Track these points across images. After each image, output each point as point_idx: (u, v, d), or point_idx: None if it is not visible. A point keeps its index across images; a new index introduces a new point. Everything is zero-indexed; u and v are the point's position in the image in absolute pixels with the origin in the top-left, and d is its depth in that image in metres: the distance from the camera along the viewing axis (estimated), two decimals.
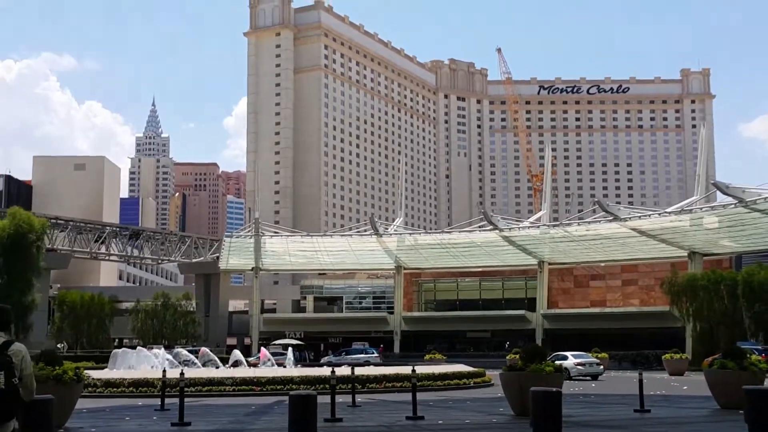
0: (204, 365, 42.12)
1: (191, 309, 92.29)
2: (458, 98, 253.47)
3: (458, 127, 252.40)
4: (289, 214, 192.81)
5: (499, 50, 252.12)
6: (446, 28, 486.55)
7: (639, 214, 76.77)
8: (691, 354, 64.15)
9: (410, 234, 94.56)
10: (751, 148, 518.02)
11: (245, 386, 31.55)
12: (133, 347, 45.81)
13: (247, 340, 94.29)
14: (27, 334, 64.29)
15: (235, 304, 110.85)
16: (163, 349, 43.33)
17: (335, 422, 19.51)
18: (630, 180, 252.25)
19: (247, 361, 45.73)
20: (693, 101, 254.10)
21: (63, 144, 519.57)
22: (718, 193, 69.67)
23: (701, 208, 72.17)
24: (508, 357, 55.81)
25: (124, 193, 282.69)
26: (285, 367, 44.17)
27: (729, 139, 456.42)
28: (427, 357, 68.04)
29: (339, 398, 23.41)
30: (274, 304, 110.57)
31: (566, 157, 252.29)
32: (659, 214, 76.35)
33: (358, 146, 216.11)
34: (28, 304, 64.01)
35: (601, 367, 49.51)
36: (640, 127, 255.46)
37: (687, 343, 69.86)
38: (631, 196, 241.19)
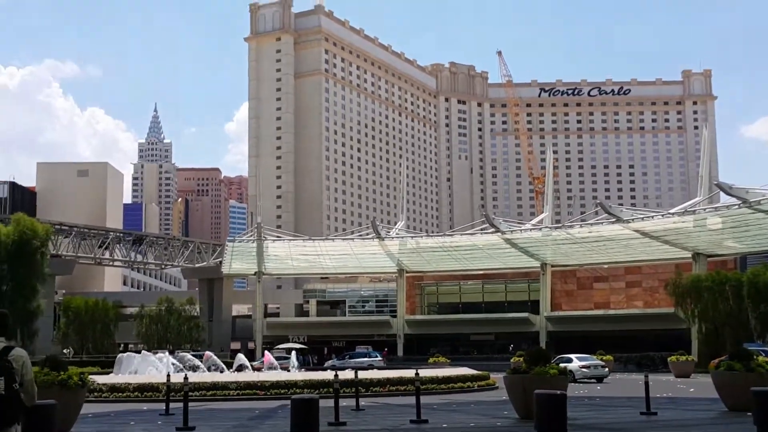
0: (209, 369, 42.17)
1: (195, 314, 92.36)
2: (459, 101, 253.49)
3: (459, 130, 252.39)
4: (291, 219, 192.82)
5: (499, 53, 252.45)
6: (446, 31, 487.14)
7: (642, 216, 76.57)
8: (697, 356, 63.96)
9: (412, 237, 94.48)
10: (753, 149, 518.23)
11: (249, 390, 31.58)
12: (138, 352, 45.82)
13: (250, 345, 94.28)
14: (32, 340, 64.33)
15: (239, 309, 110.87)
16: (167, 353, 43.33)
17: (339, 426, 19.50)
18: (632, 182, 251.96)
19: (251, 365, 45.74)
20: (695, 102, 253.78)
21: (66, 150, 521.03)
22: (722, 194, 69.53)
23: (705, 209, 72.00)
24: (512, 360, 55.73)
25: (128, 198, 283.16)
26: (289, 371, 44.21)
27: (731, 140, 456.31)
28: (430, 360, 67.96)
29: (343, 402, 23.37)
30: (277, 308, 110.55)
31: (568, 160, 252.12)
32: (662, 215, 76.12)
33: (359, 150, 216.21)
34: (33, 310, 64.07)
35: (606, 369, 49.36)
36: (642, 128, 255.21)
37: (692, 345, 69.62)
38: (633, 198, 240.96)
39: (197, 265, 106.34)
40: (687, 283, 68.46)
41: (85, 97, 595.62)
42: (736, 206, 66.28)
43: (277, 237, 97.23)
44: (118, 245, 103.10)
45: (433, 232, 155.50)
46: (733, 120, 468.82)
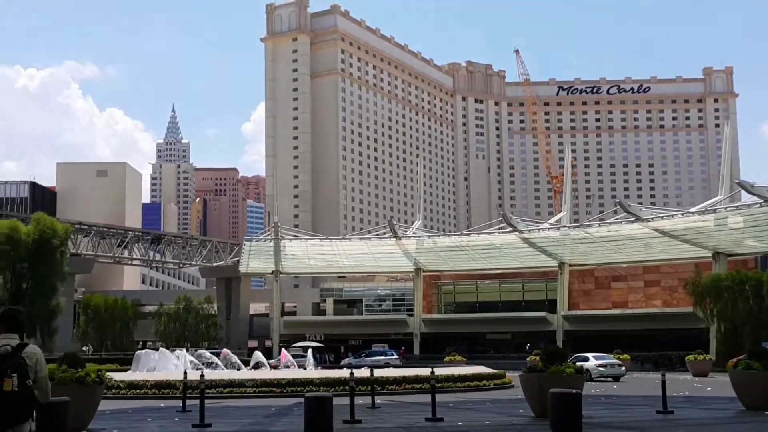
0: (226, 367, 42.41)
1: (213, 312, 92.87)
2: (476, 100, 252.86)
3: (476, 129, 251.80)
4: (308, 218, 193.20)
5: (517, 52, 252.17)
6: (463, 30, 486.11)
7: (662, 215, 76.14)
8: (715, 355, 63.51)
9: (429, 236, 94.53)
10: None
11: (266, 388, 31.67)
12: (156, 349, 46.15)
13: (268, 343, 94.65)
14: (52, 338, 64.97)
15: (256, 307, 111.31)
16: (184, 350, 43.59)
17: (354, 423, 19.53)
18: (652, 181, 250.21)
19: (268, 363, 45.88)
20: (716, 100, 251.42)
21: (85, 151, 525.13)
22: (743, 192, 69.03)
23: (725, 208, 71.46)
24: (528, 359, 55.53)
25: (146, 198, 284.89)
26: (305, 369, 44.35)
27: (753, 138, 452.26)
28: (447, 359, 67.97)
29: (359, 400, 23.41)
30: (295, 307, 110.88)
31: (586, 159, 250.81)
32: (682, 214, 75.66)
33: (376, 150, 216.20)
34: (52, 308, 64.71)
35: (623, 368, 49.16)
36: (662, 127, 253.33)
37: (711, 344, 69.14)
38: (653, 197, 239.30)
39: (215, 264, 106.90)
40: (707, 283, 67.92)
41: (104, 98, 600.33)
42: (758, 205, 65.77)
43: (294, 236, 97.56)
44: (136, 244, 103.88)
45: (450, 232, 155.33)
46: (755, 117, 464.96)
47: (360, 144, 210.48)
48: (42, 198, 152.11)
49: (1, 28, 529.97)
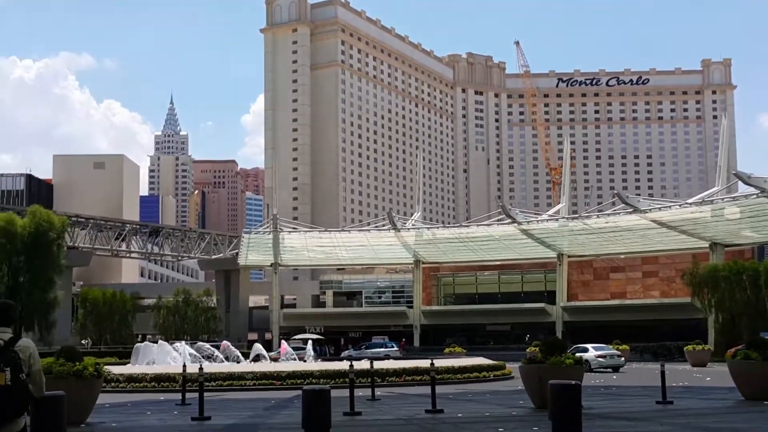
0: (227, 359, 42.41)
1: (212, 305, 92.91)
2: (476, 92, 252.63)
3: (476, 121, 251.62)
4: (307, 210, 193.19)
5: (517, 43, 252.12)
6: (463, 21, 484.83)
7: (659, 206, 76.17)
8: (714, 345, 63.66)
9: (428, 228, 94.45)
10: None
11: (265, 380, 31.69)
12: (155, 342, 46.12)
13: (267, 335, 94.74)
14: (50, 332, 64.83)
15: (256, 300, 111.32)
16: (184, 343, 43.56)
17: (354, 416, 19.52)
18: (650, 172, 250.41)
19: (268, 355, 45.86)
20: (714, 92, 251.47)
21: (82, 143, 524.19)
22: (740, 183, 68.98)
23: (723, 199, 71.51)
24: (528, 350, 55.59)
25: (144, 191, 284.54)
26: (305, 361, 44.37)
27: (750, 129, 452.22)
28: (447, 350, 68.01)
29: (359, 392, 23.41)
30: (294, 299, 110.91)
31: (585, 150, 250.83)
32: (680, 205, 75.67)
33: (375, 141, 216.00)
34: (50, 302, 64.53)
35: (622, 358, 49.26)
36: (660, 118, 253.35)
37: (709, 334, 69.34)
38: (651, 188, 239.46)
39: (214, 257, 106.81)
40: (704, 273, 68.12)
41: (101, 90, 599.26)
42: (755, 196, 65.77)
43: (293, 228, 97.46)
44: (134, 237, 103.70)
45: (449, 224, 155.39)
46: (753, 109, 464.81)
47: (360, 136, 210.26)
48: (38, 191, 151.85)
49: None
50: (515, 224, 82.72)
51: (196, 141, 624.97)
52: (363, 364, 31.19)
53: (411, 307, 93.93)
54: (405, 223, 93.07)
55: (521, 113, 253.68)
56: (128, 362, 41.00)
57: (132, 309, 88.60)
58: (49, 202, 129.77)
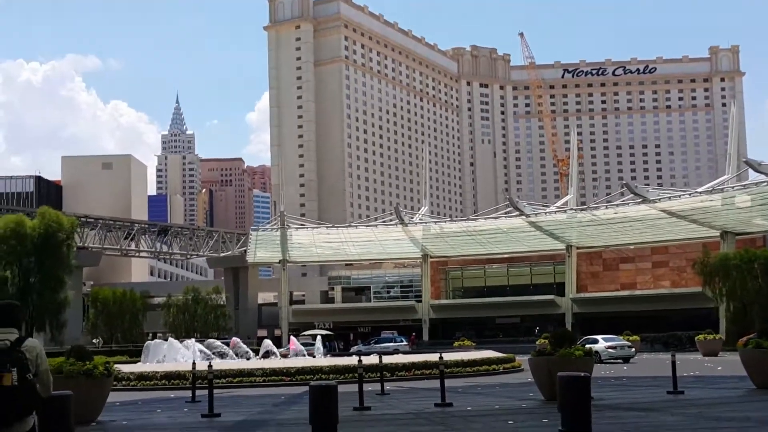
0: (237, 356, 42.48)
1: (221, 302, 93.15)
2: (481, 85, 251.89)
3: (482, 114, 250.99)
4: (314, 206, 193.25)
5: (521, 35, 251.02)
6: (467, 14, 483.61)
7: (669, 195, 75.92)
8: (725, 334, 63.41)
9: (436, 222, 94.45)
10: None
11: (275, 377, 31.67)
12: (165, 340, 46.24)
13: (277, 332, 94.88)
14: (61, 331, 65.20)
15: (265, 297, 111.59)
16: (194, 340, 43.66)
17: (364, 410, 19.50)
18: (659, 162, 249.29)
19: (278, 352, 45.88)
20: (722, 79, 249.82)
21: (90, 144, 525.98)
22: (750, 171, 68.69)
23: (733, 187, 71.20)
24: (537, 342, 55.51)
25: (152, 190, 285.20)
26: (314, 357, 44.38)
27: (759, 116, 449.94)
28: (456, 344, 67.95)
29: (368, 387, 23.40)
30: (303, 295, 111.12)
31: (592, 141, 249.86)
32: (690, 194, 75.43)
33: (381, 137, 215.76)
34: (60, 302, 64.92)
35: (633, 349, 49.07)
36: (668, 107, 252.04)
37: (720, 324, 69.07)
38: (660, 177, 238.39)
39: (222, 255, 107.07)
40: (715, 262, 67.74)
41: (107, 91, 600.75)
42: (765, 183, 65.52)
43: (301, 225, 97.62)
44: (143, 236, 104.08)
45: (456, 217, 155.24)
46: (762, 96, 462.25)
47: (365, 131, 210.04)
48: (47, 192, 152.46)
49: (2, 21, 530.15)
50: (523, 217, 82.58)
51: (203, 140, 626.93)
52: (372, 359, 31.23)
53: (420, 301, 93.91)
54: (412, 218, 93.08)
55: (527, 105, 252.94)
56: (139, 360, 41.13)
57: (142, 308, 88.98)
58: (58, 203, 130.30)
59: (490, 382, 30.81)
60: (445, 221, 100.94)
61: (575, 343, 22.95)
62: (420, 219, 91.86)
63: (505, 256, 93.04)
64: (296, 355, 44.82)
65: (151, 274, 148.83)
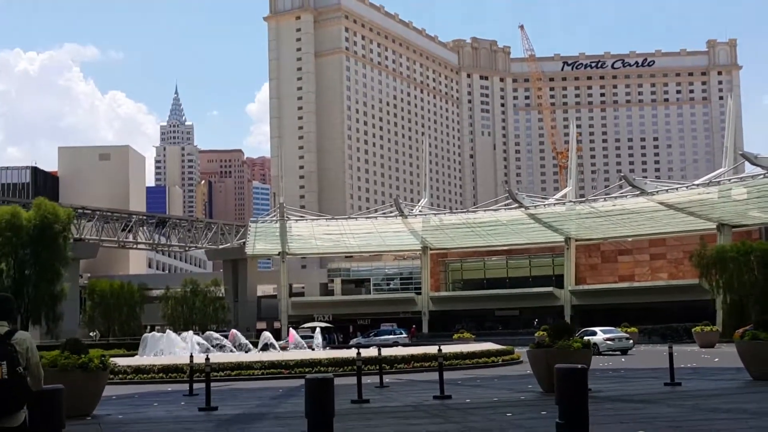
0: (236, 348, 42.38)
1: (220, 295, 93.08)
2: (481, 77, 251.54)
3: (481, 106, 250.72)
4: (314, 198, 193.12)
5: (521, 27, 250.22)
6: (468, 6, 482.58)
7: (666, 188, 76.00)
8: (722, 326, 63.50)
9: (435, 214, 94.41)
10: None
11: (274, 369, 31.63)
12: (163, 332, 46.17)
13: (276, 324, 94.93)
14: (57, 324, 65.05)
15: (264, 289, 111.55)
16: (191, 332, 43.60)
17: (362, 403, 19.47)
18: (657, 154, 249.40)
19: (277, 344, 45.84)
20: (720, 73, 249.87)
21: (88, 134, 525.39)
22: (747, 164, 68.65)
23: (729, 180, 71.24)
24: (536, 334, 55.57)
25: (151, 181, 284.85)
26: (314, 349, 44.35)
27: (756, 109, 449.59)
28: (455, 336, 68.01)
29: (367, 379, 23.40)
30: (302, 287, 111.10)
31: (591, 134, 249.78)
32: (687, 187, 75.46)
33: (381, 128, 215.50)
34: (57, 294, 64.74)
35: (631, 341, 49.13)
36: (666, 100, 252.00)
37: (717, 316, 69.21)
38: (657, 170, 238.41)
39: (221, 247, 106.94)
40: (712, 254, 67.90)
41: (106, 81, 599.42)
42: (762, 176, 65.51)
43: (300, 217, 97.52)
44: (141, 228, 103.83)
45: (456, 209, 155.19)
46: (759, 89, 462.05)
47: (365, 123, 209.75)
48: (44, 183, 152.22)
49: (0, 11, 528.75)
50: (522, 209, 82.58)
51: (202, 131, 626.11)
52: (371, 352, 31.17)
53: (419, 293, 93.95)
54: (412, 210, 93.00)
55: (527, 97, 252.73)
56: (136, 353, 41.06)
57: (140, 300, 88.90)
58: (54, 194, 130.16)
59: (489, 374, 30.81)
60: (445, 213, 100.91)
61: (573, 335, 22.95)
62: (420, 211, 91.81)
63: (505, 248, 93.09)
64: (295, 347, 44.78)
65: (149, 266, 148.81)
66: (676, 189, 75.07)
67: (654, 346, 59.30)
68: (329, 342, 66.74)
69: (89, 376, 18.16)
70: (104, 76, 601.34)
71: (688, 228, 79.12)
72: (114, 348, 49.36)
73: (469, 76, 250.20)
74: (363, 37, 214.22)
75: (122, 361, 32.02)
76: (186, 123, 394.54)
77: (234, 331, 48.48)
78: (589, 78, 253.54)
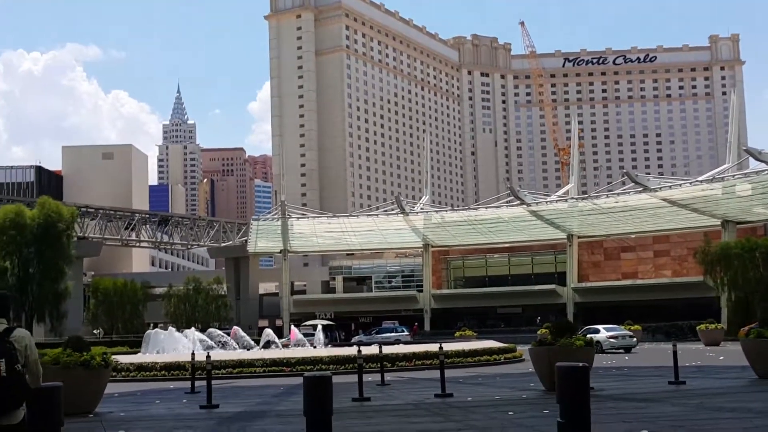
0: (238, 345, 42.36)
1: (222, 293, 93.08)
2: (482, 74, 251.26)
3: (483, 103, 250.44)
4: (315, 196, 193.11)
5: (522, 24, 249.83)
6: (468, 3, 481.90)
7: (669, 184, 75.74)
8: (727, 324, 63.25)
9: (437, 212, 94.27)
10: None
11: (275, 367, 31.54)
12: (165, 329, 46.17)
13: (278, 322, 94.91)
14: (61, 322, 65.18)
15: (266, 287, 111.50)
16: (193, 329, 43.59)
17: (363, 401, 19.38)
18: (659, 151, 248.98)
19: (278, 342, 45.79)
20: (722, 68, 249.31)
21: (91, 134, 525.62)
22: (751, 159, 68.44)
23: (733, 176, 71.00)
24: (539, 332, 55.45)
25: (153, 180, 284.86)
26: (315, 347, 44.30)
27: (759, 104, 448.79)
28: (457, 334, 67.91)
29: (369, 377, 23.31)
30: (304, 285, 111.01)
31: (593, 130, 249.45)
32: (690, 183, 75.23)
33: (382, 126, 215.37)
34: (60, 292, 64.85)
35: (634, 339, 48.92)
36: (669, 96, 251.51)
37: (722, 313, 68.93)
38: (660, 167, 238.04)
39: (223, 245, 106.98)
40: (716, 251, 67.51)
41: (108, 81, 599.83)
42: (766, 172, 65.28)
43: (302, 215, 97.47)
44: (144, 226, 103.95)
45: (458, 207, 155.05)
46: (762, 84, 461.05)
47: (366, 121, 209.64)
48: (48, 182, 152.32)
49: (3, 11, 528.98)
50: (524, 206, 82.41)
51: (204, 129, 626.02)
52: (373, 350, 31.10)
53: (421, 291, 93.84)
54: (413, 207, 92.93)
55: (528, 94, 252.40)
56: (139, 351, 41.05)
57: (143, 298, 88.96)
58: (58, 193, 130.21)
59: (491, 372, 30.72)
60: (446, 210, 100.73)
61: (576, 333, 22.82)
62: (421, 208, 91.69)
63: (507, 245, 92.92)
64: (297, 345, 44.73)
65: (152, 264, 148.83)
66: (680, 185, 74.86)
67: (658, 344, 59.12)
68: (331, 340, 66.67)
69: (91, 374, 18.13)
70: (107, 76, 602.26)
71: (692, 225, 78.86)
72: (117, 345, 49.43)
73: (469, 73, 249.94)
74: (363, 35, 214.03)
75: (125, 359, 32.01)
76: (188, 122, 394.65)
77: (236, 328, 48.47)
78: (591, 74, 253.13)
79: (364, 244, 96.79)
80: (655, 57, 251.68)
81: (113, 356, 21.30)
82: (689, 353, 37.96)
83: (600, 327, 47.93)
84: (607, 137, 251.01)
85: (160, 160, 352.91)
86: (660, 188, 74.18)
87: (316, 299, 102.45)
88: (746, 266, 64.81)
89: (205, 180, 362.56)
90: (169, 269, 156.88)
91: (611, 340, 46.21)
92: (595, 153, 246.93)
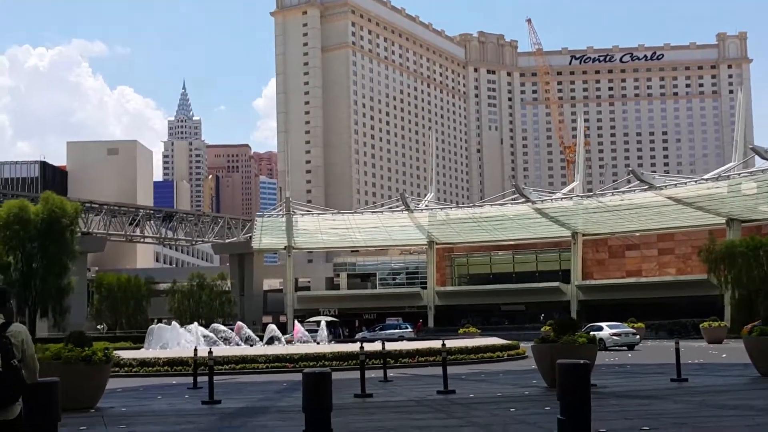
0: (245, 341, 42.32)
1: (226, 289, 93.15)
2: (488, 71, 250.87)
3: (489, 100, 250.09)
4: (320, 193, 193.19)
5: (528, 21, 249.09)
6: (474, 0, 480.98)
7: (675, 182, 75.60)
8: (730, 322, 63.15)
9: (442, 209, 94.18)
10: None
11: (278, 363, 31.54)
12: (169, 324, 46.16)
13: (282, 318, 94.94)
14: (64, 317, 65.25)
15: (270, 283, 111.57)
16: (197, 324, 43.59)
17: (365, 398, 19.36)
18: (665, 149, 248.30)
19: (283, 338, 45.78)
20: (730, 66, 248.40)
21: (97, 130, 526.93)
22: (757, 158, 68.21)
23: (739, 174, 70.81)
24: (542, 329, 55.37)
25: (158, 176, 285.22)
26: (318, 343, 44.32)
27: (766, 103, 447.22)
28: (461, 331, 67.81)
29: (372, 374, 23.28)
30: (308, 282, 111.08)
31: (599, 128, 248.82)
32: (696, 181, 75.05)
33: (388, 123, 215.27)
34: (64, 287, 64.89)
35: (638, 336, 48.90)
36: (675, 94, 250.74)
37: (725, 311, 68.81)
38: (666, 165, 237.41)
39: (227, 241, 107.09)
40: (721, 250, 67.41)
41: (114, 76, 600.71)
42: None
43: (307, 211, 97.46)
44: (148, 222, 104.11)
45: (463, 204, 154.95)
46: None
47: (372, 117, 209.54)
48: (53, 177, 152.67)
49: (9, 7, 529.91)
50: (529, 203, 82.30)
51: (209, 126, 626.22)
52: (376, 346, 31.08)
53: (425, 288, 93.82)
54: (418, 204, 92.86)
55: (534, 92, 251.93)
56: (143, 346, 41.09)
57: (147, 294, 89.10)
58: (63, 188, 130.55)
59: (494, 369, 30.68)
60: (451, 208, 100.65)
61: (579, 331, 22.80)
62: (426, 205, 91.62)
63: (511, 243, 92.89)
64: (300, 341, 44.74)
65: (156, 260, 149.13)
66: (685, 183, 74.68)
67: (661, 341, 59.01)
68: (335, 336, 66.67)
69: (92, 369, 18.14)
70: (112, 72, 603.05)
71: (697, 223, 78.67)
72: (121, 341, 49.48)
73: (476, 70, 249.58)
74: (369, 32, 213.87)
75: (127, 354, 32.02)
76: (193, 118, 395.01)
77: (240, 323, 48.41)
78: (597, 72, 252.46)
79: (368, 241, 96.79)
80: (662, 55, 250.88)
81: (116, 351, 21.33)
82: (692, 351, 37.89)
83: (603, 324, 47.94)
84: (613, 135, 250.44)
85: (165, 156, 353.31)
86: (665, 186, 74.03)
87: (320, 296, 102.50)
88: (750, 264, 64.73)
89: (210, 176, 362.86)
90: (174, 265, 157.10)
91: (614, 337, 46.21)
92: (600, 151, 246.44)
